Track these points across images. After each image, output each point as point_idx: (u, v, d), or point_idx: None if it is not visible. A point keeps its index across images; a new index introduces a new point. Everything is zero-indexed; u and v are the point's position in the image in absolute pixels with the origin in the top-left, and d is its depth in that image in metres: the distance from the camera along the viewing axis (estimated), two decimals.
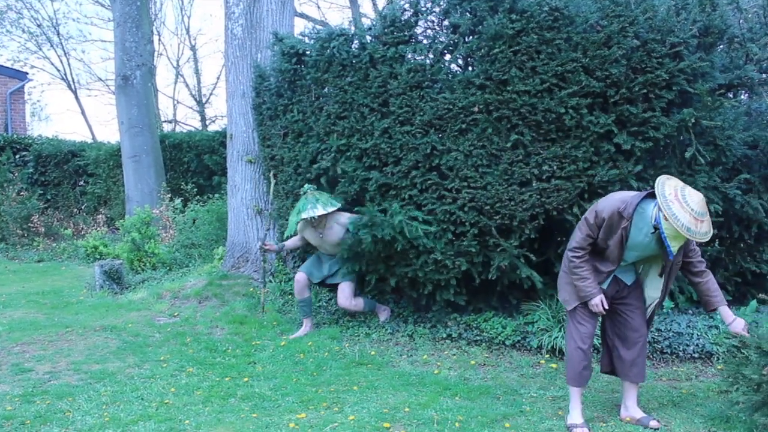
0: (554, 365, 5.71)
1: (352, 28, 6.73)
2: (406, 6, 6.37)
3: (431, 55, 6.29)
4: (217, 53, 38.59)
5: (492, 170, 5.93)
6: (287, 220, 6.95)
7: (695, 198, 4.07)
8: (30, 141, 17.52)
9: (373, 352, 6.15)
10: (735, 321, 4.43)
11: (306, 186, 6.56)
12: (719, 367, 5.41)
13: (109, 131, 41.98)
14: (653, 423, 4.40)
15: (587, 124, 5.67)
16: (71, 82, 28.66)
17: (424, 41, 6.39)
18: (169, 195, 12.72)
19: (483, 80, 5.93)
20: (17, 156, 16.57)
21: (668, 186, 4.13)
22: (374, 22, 6.63)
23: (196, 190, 13.41)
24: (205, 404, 4.93)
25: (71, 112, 53.17)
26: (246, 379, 5.47)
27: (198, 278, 8.26)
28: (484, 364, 5.85)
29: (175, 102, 31.55)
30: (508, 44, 5.82)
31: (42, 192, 15.93)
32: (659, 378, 5.43)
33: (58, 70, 29.21)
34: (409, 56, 6.35)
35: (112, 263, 9.14)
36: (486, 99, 5.90)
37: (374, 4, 22.78)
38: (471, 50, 6.13)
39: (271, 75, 7.34)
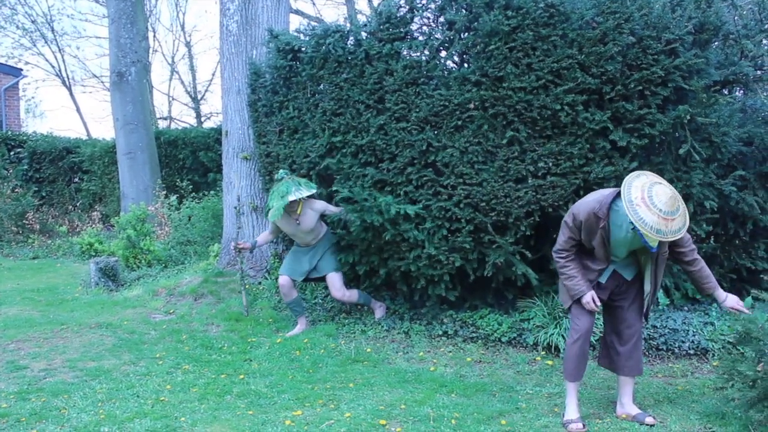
0: (550, 362, 5.71)
1: (348, 24, 6.72)
2: (402, 2, 6.36)
3: (427, 52, 6.28)
4: (213, 50, 38.52)
5: (488, 167, 5.93)
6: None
7: (663, 198, 4.01)
8: (25, 138, 17.48)
9: (369, 349, 6.15)
10: (728, 297, 4.46)
11: (281, 171, 6.53)
12: (715, 364, 5.43)
13: (104, 128, 41.86)
14: (649, 419, 4.41)
15: (583, 120, 5.67)
16: (66, 79, 28.59)
17: (420, 38, 6.39)
18: (165, 192, 12.71)
19: (479, 77, 5.93)
20: (12, 153, 16.53)
21: (635, 188, 4.08)
22: (370, 19, 6.62)
23: (191, 187, 13.39)
24: (201, 401, 4.92)
25: (66, 108, 53.04)
26: (242, 377, 5.47)
27: (193, 275, 8.26)
28: (480, 361, 5.86)
29: (170, 99, 31.49)
30: (504, 41, 5.81)
31: (37, 189, 15.90)
32: (655, 375, 5.44)
33: (53, 67, 29.12)
34: (405, 53, 6.35)
35: (108, 260, 9.13)
36: (482, 96, 5.89)
37: (369, 1, 22.76)
38: (467, 47, 6.12)
39: (266, 72, 7.32)
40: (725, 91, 6.24)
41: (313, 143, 6.68)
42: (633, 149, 5.64)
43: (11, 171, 15.16)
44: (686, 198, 5.73)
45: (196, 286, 7.74)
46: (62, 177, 16.51)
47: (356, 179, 6.39)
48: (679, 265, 4.57)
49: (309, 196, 6.43)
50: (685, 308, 6.08)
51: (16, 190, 14.55)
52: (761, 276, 6.30)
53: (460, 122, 6.02)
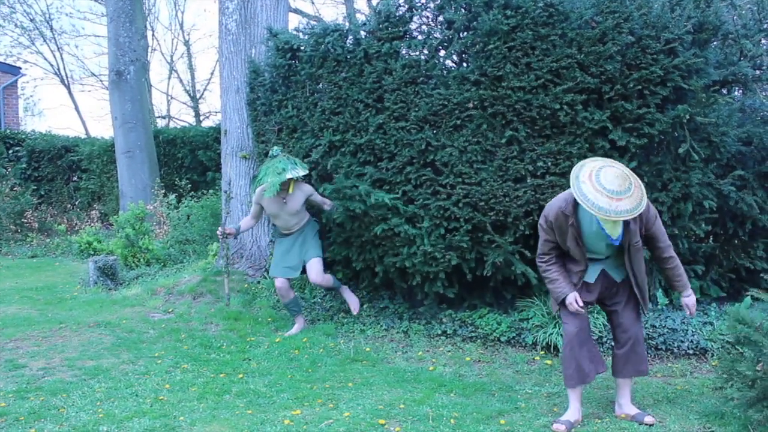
0: (549, 362, 5.72)
1: (347, 23, 6.71)
2: (401, 1, 6.36)
3: (426, 51, 6.28)
4: (211, 49, 38.52)
5: (487, 166, 5.93)
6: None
7: (609, 177, 4.03)
8: (23, 136, 17.46)
9: (368, 349, 6.15)
10: (690, 297, 4.50)
11: (276, 148, 6.49)
12: (714, 364, 5.43)
13: (102, 127, 41.88)
14: (648, 419, 4.41)
15: (582, 120, 5.67)
16: (64, 77, 28.57)
17: (419, 37, 6.39)
18: (163, 191, 12.71)
19: (478, 76, 5.93)
20: (10, 151, 16.51)
21: (585, 168, 4.12)
22: (369, 18, 6.62)
23: (190, 185, 13.38)
24: (200, 401, 4.92)
25: (64, 107, 53.04)
26: (241, 376, 5.46)
27: (192, 274, 8.25)
28: (479, 361, 5.86)
29: (169, 97, 31.46)
30: (503, 40, 5.81)
31: (35, 187, 15.87)
32: (654, 374, 5.44)
33: (52, 65, 29.08)
34: (404, 52, 6.35)
35: (106, 259, 9.12)
36: (481, 95, 5.89)
37: (368, 0, 22.75)
38: (466, 46, 6.12)
39: (265, 70, 7.31)
40: (724, 91, 6.24)
41: (314, 143, 6.67)
42: (632, 149, 5.65)
43: (10, 170, 15.14)
44: (685, 198, 5.74)
45: (194, 285, 7.74)
46: (61, 176, 16.49)
47: (355, 178, 6.39)
48: (655, 261, 4.54)
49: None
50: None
51: (15, 188, 14.52)
52: (761, 276, 6.31)
53: (459, 121, 6.02)
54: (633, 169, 5.61)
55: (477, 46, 5.99)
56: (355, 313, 6.67)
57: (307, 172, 6.46)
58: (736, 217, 6.10)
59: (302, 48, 6.85)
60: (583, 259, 4.42)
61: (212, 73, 31.51)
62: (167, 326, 6.80)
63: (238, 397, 4.99)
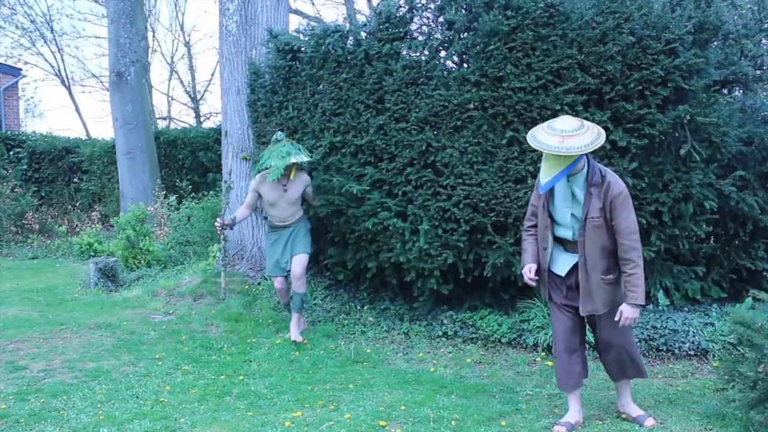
0: (550, 363, 5.71)
1: (347, 24, 6.71)
2: (401, 2, 6.35)
3: (426, 52, 6.28)
4: (212, 50, 38.50)
5: (487, 167, 5.93)
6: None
7: (560, 120, 4.18)
8: (24, 137, 17.46)
9: (368, 350, 6.14)
10: (630, 308, 4.20)
11: (280, 133, 6.43)
12: (715, 365, 5.42)
13: (103, 128, 41.86)
14: (649, 422, 4.40)
15: None
16: (65, 79, 28.55)
17: (420, 38, 6.38)
18: (164, 192, 12.70)
19: (478, 77, 5.92)
20: (11, 152, 16.51)
21: (551, 141, 4.12)
22: (369, 19, 6.62)
23: (190, 187, 13.36)
24: (201, 402, 4.91)
25: (65, 108, 52.99)
26: (241, 378, 5.46)
27: (193, 276, 8.24)
28: (480, 362, 5.85)
29: (170, 99, 31.45)
30: (504, 41, 5.81)
31: (36, 189, 15.86)
32: (655, 375, 5.44)
33: (52, 67, 29.07)
34: (404, 53, 6.35)
35: (107, 260, 9.11)
36: (481, 96, 5.89)
37: (368, 1, 22.76)
38: (466, 47, 6.12)
39: (265, 72, 7.31)
40: (725, 91, 6.23)
41: (315, 144, 6.66)
42: (633, 149, 5.64)
43: (10, 171, 15.14)
44: (686, 198, 5.73)
45: (195, 286, 7.73)
46: (61, 177, 16.49)
47: (356, 179, 6.39)
48: (620, 264, 4.28)
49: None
50: (686, 309, 6.08)
51: (16, 190, 14.52)
52: (762, 276, 6.29)
53: (459, 122, 6.02)
54: (633, 170, 5.63)
55: (477, 47, 5.98)
56: (291, 339, 6.31)
57: (311, 158, 6.48)
58: (737, 218, 6.09)
59: (303, 49, 6.85)
60: (549, 227, 4.41)
61: (213, 75, 31.53)
62: (168, 328, 6.80)
63: (238, 399, 4.99)
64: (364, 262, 6.65)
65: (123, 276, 9.28)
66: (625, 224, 4.16)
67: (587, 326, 4.65)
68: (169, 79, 35.49)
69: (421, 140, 6.11)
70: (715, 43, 6.12)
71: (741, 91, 6.47)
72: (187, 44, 30.38)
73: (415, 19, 6.41)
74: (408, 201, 6.22)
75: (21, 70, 21.59)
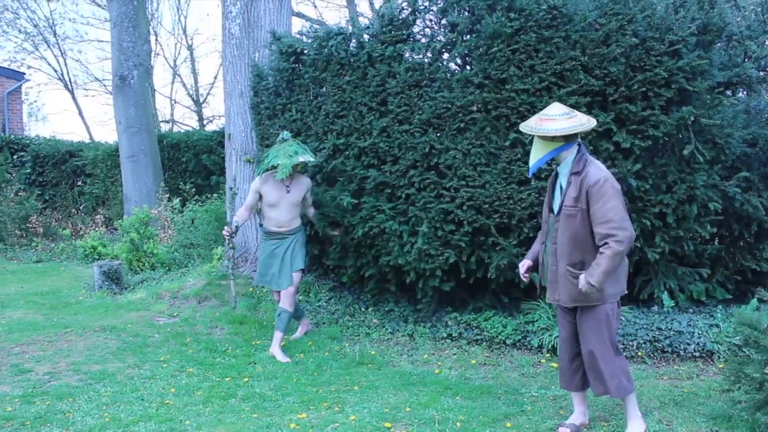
0: (555, 364, 5.70)
1: (350, 27, 6.72)
2: (404, 5, 6.36)
3: (429, 54, 6.29)
4: (214, 53, 38.52)
5: (491, 169, 5.93)
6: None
7: (554, 107, 4.23)
8: (27, 141, 17.50)
9: (373, 352, 6.15)
10: (584, 278, 4.08)
11: (286, 132, 6.29)
12: (720, 366, 5.41)
13: (106, 131, 41.90)
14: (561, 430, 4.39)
15: None
16: (68, 83, 28.58)
17: (423, 40, 6.39)
18: (168, 195, 12.72)
19: (481, 79, 5.93)
20: (15, 156, 16.54)
21: (530, 121, 4.26)
22: (372, 21, 6.63)
23: (194, 190, 13.39)
24: (206, 404, 4.92)
25: (68, 112, 53.01)
26: (246, 380, 5.46)
27: (197, 278, 8.25)
28: (485, 364, 5.85)
29: (173, 102, 31.50)
30: (507, 43, 5.81)
31: (40, 192, 15.91)
32: (660, 377, 5.43)
33: (55, 71, 29.10)
34: (407, 55, 6.35)
35: (111, 263, 9.13)
36: (484, 98, 5.89)
37: (371, 3, 22.79)
38: (469, 49, 6.12)
39: (269, 74, 7.32)
40: (729, 93, 6.22)
41: (318, 146, 6.67)
42: (636, 151, 5.63)
43: (14, 175, 15.16)
44: (690, 199, 5.73)
45: (199, 289, 7.73)
46: (65, 180, 16.52)
47: (359, 181, 6.40)
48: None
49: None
50: (690, 310, 6.07)
51: (20, 193, 14.55)
52: (767, 277, 6.28)
53: (462, 124, 6.02)
54: (637, 172, 5.62)
55: (480, 49, 5.99)
56: (279, 360, 6.02)
57: (317, 160, 6.46)
58: (741, 219, 6.08)
59: (306, 51, 6.86)
60: (545, 222, 4.42)
61: (215, 77, 31.56)
62: (172, 330, 6.81)
63: (243, 401, 4.99)
64: (364, 269, 6.65)
65: (127, 279, 9.29)
66: (600, 213, 4.01)
67: None
68: (172, 83, 35.39)
69: (425, 142, 6.12)
70: (719, 44, 6.12)
71: (745, 92, 6.47)
72: (189, 47, 30.36)
73: (418, 22, 6.42)
74: (410, 203, 6.23)
75: (24, 74, 21.65)
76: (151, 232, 10.24)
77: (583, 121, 4.14)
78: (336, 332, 6.57)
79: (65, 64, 32.48)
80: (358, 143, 6.41)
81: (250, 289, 7.58)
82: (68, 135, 42.99)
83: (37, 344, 6.42)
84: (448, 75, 6.24)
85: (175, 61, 31.89)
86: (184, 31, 37.12)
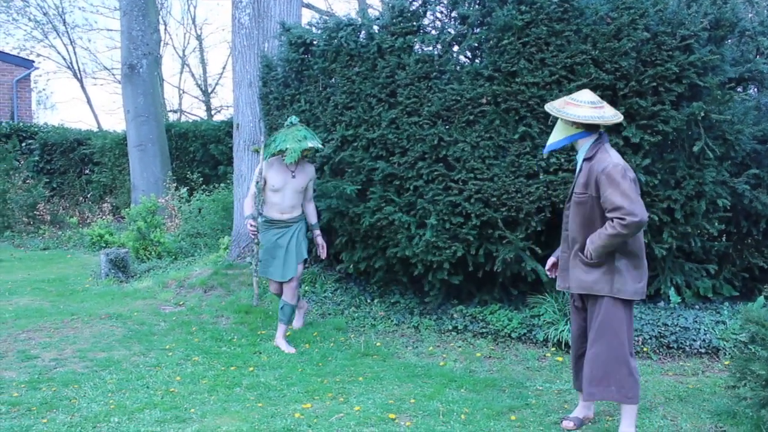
0: (560, 358, 5.70)
1: (360, 18, 6.70)
2: None
3: (439, 46, 6.27)
4: (223, 43, 38.57)
5: (499, 162, 5.92)
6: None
7: (584, 94, 4.16)
8: (36, 129, 17.56)
9: (378, 343, 6.15)
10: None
11: (294, 117, 6.13)
12: (726, 363, 5.40)
13: (114, 120, 41.96)
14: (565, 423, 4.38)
15: None
16: (77, 71, 28.66)
17: (433, 32, 6.36)
18: (175, 184, 12.74)
19: (491, 72, 5.91)
20: (23, 144, 16.59)
21: (555, 102, 4.19)
22: (382, 13, 6.61)
23: (201, 179, 13.41)
24: (211, 393, 4.93)
25: (77, 100, 53.06)
26: (251, 369, 5.47)
27: (203, 267, 8.27)
28: (490, 357, 5.85)
29: (181, 92, 31.60)
30: (517, 36, 5.79)
31: (48, 180, 15.96)
32: (665, 373, 5.42)
33: (64, 59, 29.16)
34: (417, 47, 6.33)
35: (118, 252, 9.15)
36: (494, 90, 5.87)
37: None
38: (479, 41, 6.10)
39: (278, 65, 7.31)
40: (740, 89, 6.19)
41: (327, 137, 6.66)
42: (646, 146, 5.61)
43: (23, 162, 15.21)
44: (699, 196, 5.71)
45: (206, 278, 7.75)
46: (73, 168, 16.58)
47: (367, 173, 6.39)
48: None
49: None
50: (697, 307, 6.05)
51: (28, 181, 14.60)
52: None
53: (472, 117, 6.00)
54: (646, 167, 5.60)
55: (491, 42, 5.96)
56: (285, 351, 5.98)
57: (326, 151, 6.45)
58: (749, 216, 6.05)
59: (315, 42, 6.84)
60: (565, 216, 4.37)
61: (224, 68, 31.60)
62: (178, 319, 6.82)
63: (248, 390, 5.00)
64: (372, 261, 6.65)
65: (134, 267, 9.31)
66: (609, 201, 3.94)
67: None
68: (181, 73, 35.56)
69: (433, 134, 6.10)
70: (731, 40, 6.09)
71: (756, 88, 6.43)
72: (198, 37, 30.40)
73: (428, 14, 6.40)
74: (418, 196, 6.22)
75: (33, 62, 21.72)
76: (158, 220, 10.26)
77: (607, 114, 4.08)
78: (341, 323, 6.58)
79: (74, 53, 32.63)
80: (367, 135, 6.40)
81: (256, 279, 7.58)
82: (76, 123, 43.08)
83: (44, 331, 6.45)
84: (458, 67, 6.22)
85: (183, 50, 32.02)
86: (194, 21, 37.27)
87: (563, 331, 5.81)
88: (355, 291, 7.16)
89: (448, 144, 6.08)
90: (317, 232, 6.33)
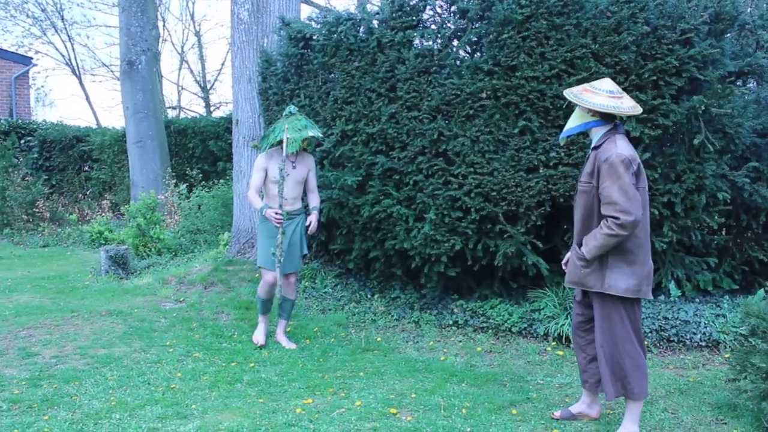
0: (560, 352, 5.70)
1: (359, 13, 6.69)
2: None
3: (439, 41, 6.26)
4: (222, 39, 38.50)
5: (499, 156, 5.91)
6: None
7: (605, 82, 4.09)
8: (35, 126, 17.53)
9: (379, 339, 6.15)
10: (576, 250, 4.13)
11: (292, 107, 5.97)
12: (726, 356, 5.40)
13: (113, 117, 41.90)
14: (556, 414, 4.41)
15: None
16: (75, 68, 28.62)
17: (432, 26, 6.36)
18: (174, 181, 12.73)
19: (491, 66, 5.90)
20: (22, 141, 16.57)
21: (575, 88, 4.16)
22: (382, 7, 6.60)
23: (201, 175, 13.40)
24: (212, 389, 4.93)
25: (75, 97, 53.15)
26: (252, 365, 5.47)
27: (203, 264, 8.27)
28: (491, 351, 5.85)
29: (180, 88, 31.49)
30: (517, 30, 5.78)
31: (47, 177, 15.93)
32: (666, 366, 5.43)
33: (63, 56, 29.27)
34: (417, 41, 6.33)
35: (118, 248, 9.14)
36: (494, 85, 5.87)
37: None
38: (479, 35, 6.09)
39: (277, 60, 7.30)
40: (740, 82, 6.19)
41: (326, 132, 6.65)
42: (646, 140, 5.61)
43: (21, 159, 15.19)
44: (699, 189, 5.71)
45: (206, 274, 7.75)
46: (72, 165, 16.55)
47: (367, 167, 6.38)
48: None
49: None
50: (697, 300, 6.05)
51: (27, 178, 14.57)
52: None
53: (471, 111, 6.00)
54: (646, 160, 5.59)
55: (491, 36, 5.96)
56: (285, 347, 5.97)
57: (325, 145, 6.42)
58: (749, 210, 6.06)
59: (315, 37, 6.83)
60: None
61: (223, 64, 31.55)
62: (179, 315, 6.82)
63: (249, 386, 5.00)
64: (370, 252, 6.65)
65: (134, 264, 9.31)
66: (606, 193, 3.90)
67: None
68: (179, 69, 35.56)
69: (433, 129, 6.10)
70: (731, 33, 6.08)
71: (756, 82, 6.43)
72: (197, 34, 30.43)
73: (428, 8, 6.39)
74: (418, 190, 6.21)
75: (32, 59, 21.63)
76: (157, 217, 10.25)
77: (624, 105, 4.01)
78: (342, 319, 6.58)
79: (73, 50, 32.60)
80: (367, 129, 6.39)
81: (256, 275, 7.58)
82: (75, 120, 43.06)
83: (44, 328, 6.45)
84: (458, 62, 6.22)
85: (182, 47, 31.99)
86: (192, 17, 37.14)
87: (564, 325, 5.81)
88: (355, 286, 7.16)
89: (448, 138, 6.07)
90: (315, 213, 6.02)
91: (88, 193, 15.96)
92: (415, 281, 6.78)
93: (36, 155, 16.50)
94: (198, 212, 10.80)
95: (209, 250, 9.22)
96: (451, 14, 6.35)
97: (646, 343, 5.67)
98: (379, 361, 5.59)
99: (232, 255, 8.28)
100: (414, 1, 6.31)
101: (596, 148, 4.06)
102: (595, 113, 4.06)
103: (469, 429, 4.20)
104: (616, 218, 3.84)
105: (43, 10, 26.79)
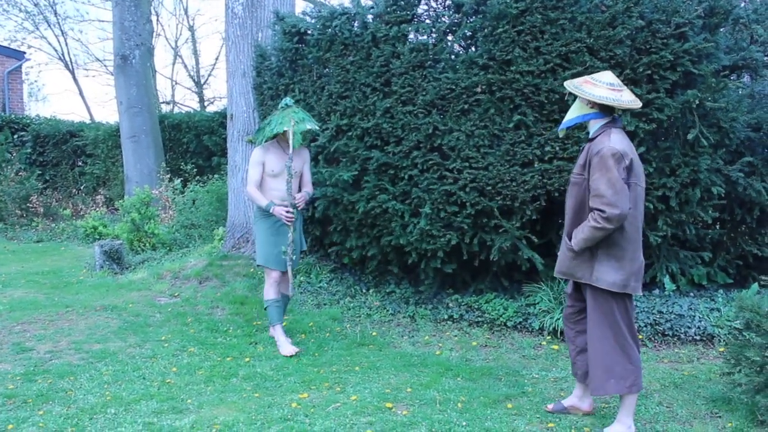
0: (555, 347, 5.71)
1: (354, 7, 6.68)
2: None
3: (434, 35, 6.25)
4: (216, 34, 38.44)
5: (494, 151, 5.91)
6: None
7: (606, 75, 4.09)
8: (28, 121, 17.47)
9: (374, 333, 6.16)
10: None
11: (288, 99, 5.85)
12: (721, 350, 5.42)
13: (107, 112, 41.76)
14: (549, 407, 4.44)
15: None
16: (69, 62, 28.49)
17: (427, 20, 6.35)
18: (169, 175, 12.70)
19: (486, 60, 5.90)
20: (15, 136, 16.51)
21: (576, 79, 4.16)
22: (376, 1, 6.58)
23: (195, 170, 13.38)
24: (207, 384, 4.93)
25: (69, 92, 52.87)
26: (247, 359, 5.47)
27: (198, 259, 8.25)
28: (486, 346, 5.86)
29: (174, 83, 31.48)
30: (512, 24, 5.78)
31: (40, 172, 15.89)
32: (661, 360, 5.44)
33: (56, 50, 29.18)
34: (412, 36, 6.32)
35: (112, 243, 9.12)
36: (489, 79, 5.86)
37: None
38: (474, 30, 6.09)
39: (272, 54, 7.28)
40: (734, 76, 6.20)
41: (321, 127, 6.64)
42: (641, 134, 5.61)
43: (15, 154, 15.14)
44: (693, 183, 5.72)
45: (200, 269, 7.74)
46: (66, 160, 16.50)
47: (361, 162, 6.38)
48: None
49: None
50: (691, 294, 6.07)
51: (20, 173, 14.53)
52: None
53: (466, 106, 6.00)
54: (641, 154, 5.60)
55: (486, 30, 5.95)
56: (287, 354, 5.68)
57: (320, 140, 6.42)
58: (744, 204, 6.07)
59: (309, 32, 6.82)
60: None
61: (216, 59, 31.48)
62: (173, 310, 6.81)
63: (245, 381, 5.00)
64: (366, 249, 6.65)
65: (128, 259, 9.29)
66: (594, 185, 3.89)
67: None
68: (173, 64, 35.35)
69: (428, 123, 6.09)
70: (725, 27, 6.09)
71: (750, 76, 6.44)
72: (191, 28, 30.36)
73: (423, 2, 6.38)
74: (413, 185, 6.21)
75: (25, 53, 21.55)
76: (152, 212, 10.23)
77: (624, 98, 4.00)
78: (337, 313, 6.58)
79: (66, 44, 32.47)
80: (362, 124, 6.38)
81: (251, 269, 7.58)
82: (69, 115, 42.97)
83: (38, 323, 6.43)
84: (453, 56, 6.22)
85: (176, 42, 31.86)
86: (186, 12, 37.02)
87: (558, 319, 5.82)
88: (350, 281, 7.16)
89: (443, 133, 6.07)
90: (305, 193, 5.90)
91: (82, 188, 15.92)
92: (410, 276, 6.78)
93: (29, 150, 16.45)
94: (192, 207, 10.77)
95: (204, 245, 9.21)
96: (446, 8, 6.34)
97: (640, 337, 5.69)
98: (375, 356, 5.60)
99: (227, 250, 8.27)
100: None
101: (591, 140, 4.06)
102: (594, 105, 4.06)
103: (464, 423, 4.20)
104: (602, 211, 3.84)
105: (35, 5, 26.65)
